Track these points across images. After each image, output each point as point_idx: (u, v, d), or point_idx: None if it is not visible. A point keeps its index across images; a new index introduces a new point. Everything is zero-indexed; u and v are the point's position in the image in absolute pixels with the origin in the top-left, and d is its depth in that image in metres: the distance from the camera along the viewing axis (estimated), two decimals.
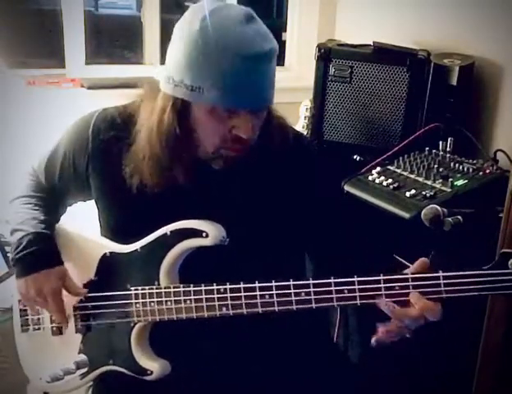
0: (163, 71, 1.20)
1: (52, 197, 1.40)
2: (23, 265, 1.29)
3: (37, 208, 1.37)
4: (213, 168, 1.24)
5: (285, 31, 2.81)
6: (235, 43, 1.11)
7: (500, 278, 1.02)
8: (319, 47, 2.17)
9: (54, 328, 1.34)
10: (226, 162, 1.22)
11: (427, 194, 1.67)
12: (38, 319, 1.36)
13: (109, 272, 1.27)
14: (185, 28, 1.15)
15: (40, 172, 1.42)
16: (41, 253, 1.29)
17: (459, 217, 1.48)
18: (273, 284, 1.14)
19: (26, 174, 1.45)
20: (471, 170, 1.78)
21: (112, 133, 1.30)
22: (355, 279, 1.10)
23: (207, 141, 1.20)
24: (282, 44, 2.82)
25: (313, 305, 1.12)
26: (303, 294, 1.12)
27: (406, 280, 1.08)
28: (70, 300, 1.31)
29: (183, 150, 1.21)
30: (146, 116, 1.24)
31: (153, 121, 1.21)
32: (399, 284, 1.08)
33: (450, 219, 1.48)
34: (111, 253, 1.28)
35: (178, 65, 1.16)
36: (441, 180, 1.74)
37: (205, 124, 1.18)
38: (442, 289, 1.05)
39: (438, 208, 1.49)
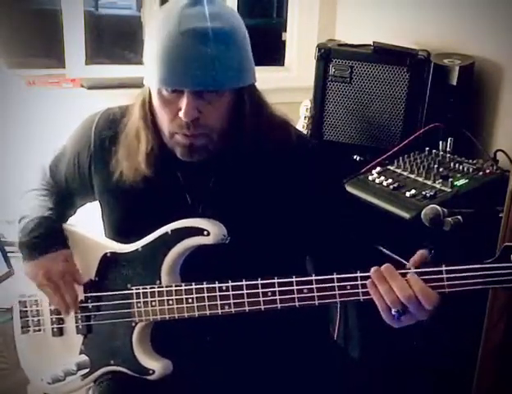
0: None
1: (59, 194, 1.41)
2: (29, 248, 1.29)
3: (45, 198, 1.38)
4: (210, 167, 1.24)
5: (285, 31, 2.81)
6: (172, 22, 1.12)
7: (502, 272, 1.03)
8: (319, 47, 2.17)
9: (55, 329, 1.34)
10: (186, 151, 1.20)
11: (427, 194, 1.67)
12: (39, 321, 1.35)
13: (110, 272, 1.27)
14: None
15: (47, 173, 1.43)
16: (47, 236, 1.29)
17: (459, 217, 1.48)
18: (275, 281, 1.14)
19: (37, 171, 1.46)
20: (471, 170, 1.78)
21: (113, 132, 1.31)
22: (358, 275, 1.10)
23: (163, 126, 1.21)
24: (282, 44, 2.82)
25: (316, 302, 1.12)
26: (305, 290, 1.12)
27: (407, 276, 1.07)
28: None
29: (145, 137, 1.23)
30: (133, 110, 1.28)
31: (133, 109, 1.26)
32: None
33: (450, 219, 1.48)
34: (111, 253, 1.28)
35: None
36: (441, 180, 1.74)
37: (158, 108, 1.20)
38: (445, 283, 1.05)
39: (438, 208, 1.49)
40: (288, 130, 1.33)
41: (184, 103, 1.14)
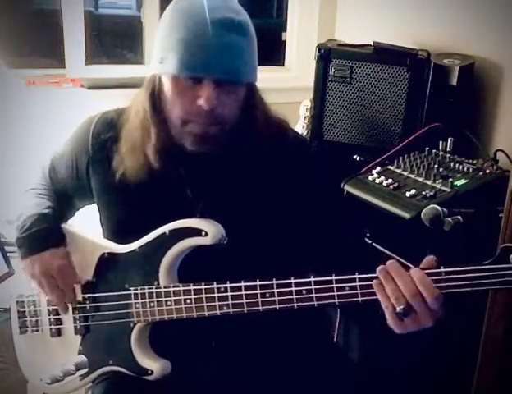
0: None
1: (58, 195, 1.41)
2: (27, 244, 1.29)
3: (44, 197, 1.39)
4: (212, 163, 1.24)
5: (285, 31, 2.81)
6: (198, 10, 1.14)
7: (501, 273, 1.02)
8: (319, 47, 2.17)
9: (53, 330, 1.33)
10: (197, 141, 1.21)
11: (427, 194, 1.67)
12: (37, 321, 1.35)
13: (108, 272, 1.27)
14: (164, 12, 1.22)
15: (46, 174, 1.43)
16: (45, 233, 1.30)
17: (459, 217, 1.48)
18: (274, 282, 1.13)
19: (36, 171, 1.46)
20: (471, 170, 1.78)
21: (110, 135, 1.32)
22: (356, 276, 1.09)
23: (174, 115, 1.20)
24: (282, 44, 2.82)
25: (315, 303, 1.11)
26: (304, 291, 1.12)
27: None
28: None
29: (155, 128, 1.22)
30: (133, 105, 1.28)
31: (134, 104, 1.26)
32: None
33: (450, 219, 1.47)
34: (109, 253, 1.28)
35: (155, 44, 1.21)
36: (441, 180, 1.73)
37: (171, 96, 1.19)
38: (443, 284, 1.04)
39: (438, 208, 1.48)
40: (285, 131, 1.33)
41: (205, 90, 1.15)
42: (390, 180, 1.79)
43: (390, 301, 1.05)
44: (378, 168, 1.88)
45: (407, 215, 1.64)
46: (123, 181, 1.27)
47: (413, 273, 1.05)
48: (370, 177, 1.84)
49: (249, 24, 1.19)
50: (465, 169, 1.79)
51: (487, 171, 1.77)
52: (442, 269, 1.05)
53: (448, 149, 1.89)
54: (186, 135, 1.21)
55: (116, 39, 2.99)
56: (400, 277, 1.05)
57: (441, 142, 1.91)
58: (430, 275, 1.05)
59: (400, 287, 1.04)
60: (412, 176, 1.81)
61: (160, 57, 1.18)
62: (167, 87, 1.19)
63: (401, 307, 1.04)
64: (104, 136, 1.32)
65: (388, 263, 1.07)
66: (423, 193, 1.68)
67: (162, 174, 1.25)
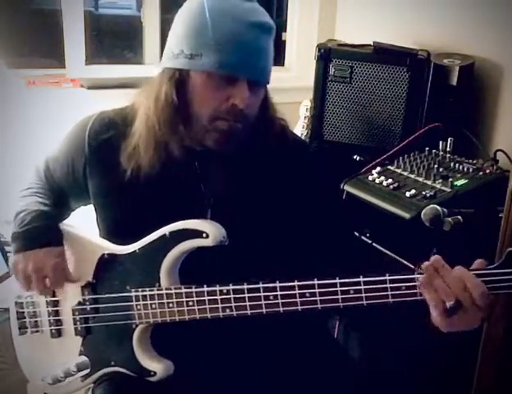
0: (164, 52, 1.25)
1: (54, 195, 1.41)
2: (24, 239, 1.28)
3: (42, 196, 1.39)
4: (220, 161, 1.25)
5: (285, 31, 2.81)
6: (236, 10, 1.17)
7: (507, 277, 1.01)
8: (319, 47, 2.17)
9: (53, 331, 1.33)
10: (220, 138, 1.22)
11: (427, 194, 1.67)
12: (36, 322, 1.34)
13: (108, 273, 1.26)
14: (185, 7, 1.23)
15: (41, 174, 1.43)
16: (43, 229, 1.30)
17: (459, 217, 1.49)
18: (277, 285, 1.13)
19: (32, 172, 1.45)
20: (471, 170, 1.78)
21: (109, 134, 1.31)
22: (361, 279, 1.07)
23: (203, 111, 1.21)
24: (282, 44, 2.82)
25: (319, 306, 1.10)
26: (308, 294, 1.11)
27: (413, 280, 1.05)
28: (68, 303, 1.30)
29: (179, 122, 1.22)
30: (144, 99, 1.27)
31: (151, 96, 1.24)
32: (405, 284, 1.06)
33: (450, 219, 1.48)
34: (109, 254, 1.27)
35: (178, 38, 1.21)
36: (441, 180, 1.74)
37: (202, 92, 1.20)
38: None
39: (438, 208, 1.49)
40: (284, 130, 1.34)
41: (241, 90, 1.17)
42: (390, 180, 1.79)
43: (439, 298, 1.02)
44: (378, 168, 1.88)
45: (407, 215, 1.64)
46: (132, 178, 1.25)
47: (457, 269, 1.03)
48: (370, 177, 1.85)
49: (274, 26, 1.22)
50: (465, 169, 1.79)
51: (487, 171, 1.77)
52: None
53: (448, 149, 1.89)
54: (210, 131, 1.22)
55: (116, 39, 2.99)
56: (447, 272, 1.03)
57: (441, 142, 1.91)
58: None
59: (449, 282, 1.02)
60: (412, 176, 1.81)
61: (189, 52, 1.18)
62: (198, 83, 1.20)
63: (451, 302, 1.01)
64: (103, 136, 1.31)
65: (433, 258, 1.05)
66: (423, 193, 1.69)
67: (176, 169, 1.25)
